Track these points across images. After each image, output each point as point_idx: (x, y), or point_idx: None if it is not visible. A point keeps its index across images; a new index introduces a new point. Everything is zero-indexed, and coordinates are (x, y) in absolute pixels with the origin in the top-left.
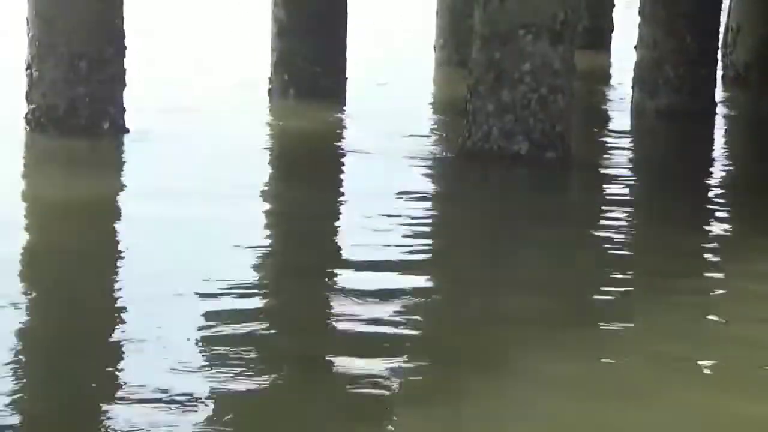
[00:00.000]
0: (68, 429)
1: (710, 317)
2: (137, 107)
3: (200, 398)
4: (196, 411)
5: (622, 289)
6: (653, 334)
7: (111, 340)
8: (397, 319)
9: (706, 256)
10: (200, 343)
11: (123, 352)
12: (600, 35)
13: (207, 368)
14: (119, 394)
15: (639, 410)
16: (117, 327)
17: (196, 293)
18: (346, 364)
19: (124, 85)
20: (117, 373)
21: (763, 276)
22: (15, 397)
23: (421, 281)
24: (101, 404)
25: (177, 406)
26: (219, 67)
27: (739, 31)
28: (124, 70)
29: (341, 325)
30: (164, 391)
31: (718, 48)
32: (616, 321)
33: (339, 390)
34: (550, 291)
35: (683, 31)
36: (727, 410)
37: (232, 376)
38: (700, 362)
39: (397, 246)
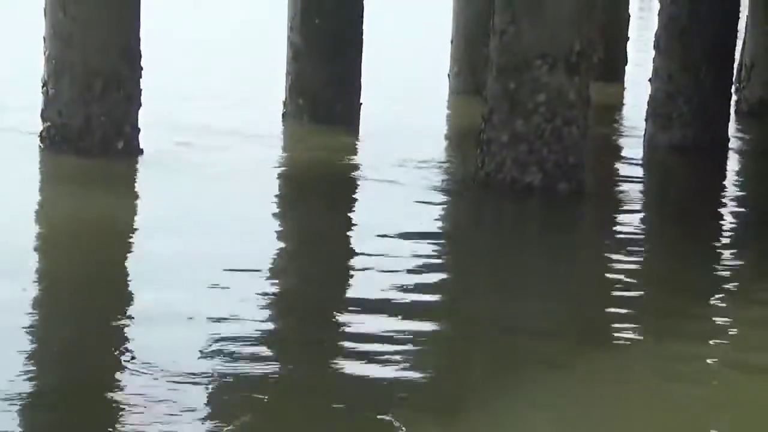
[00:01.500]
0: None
1: (712, 358)
2: (152, 128)
3: None
4: None
5: (631, 326)
6: (658, 375)
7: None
8: (400, 359)
9: (715, 295)
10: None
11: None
12: (614, 67)
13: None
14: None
15: None
16: (122, 347)
17: (206, 317)
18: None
19: (140, 105)
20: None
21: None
22: None
23: (427, 324)
24: None
25: None
26: (234, 90)
27: (753, 67)
28: (140, 90)
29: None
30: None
31: (732, 83)
32: (624, 359)
33: None
34: (558, 330)
35: (698, 65)
36: None
37: None
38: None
39: (405, 282)
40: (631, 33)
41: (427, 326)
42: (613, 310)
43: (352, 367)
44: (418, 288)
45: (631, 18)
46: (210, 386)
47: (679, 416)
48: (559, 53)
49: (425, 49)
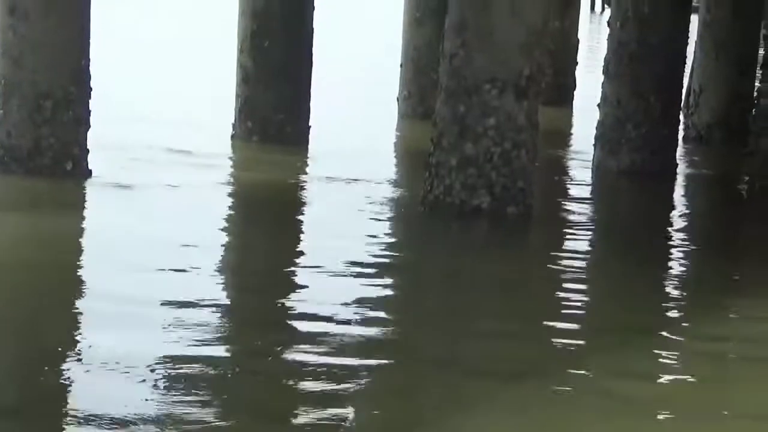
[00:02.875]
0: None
1: (660, 383)
2: (102, 149)
3: None
4: None
5: (574, 343)
6: (606, 397)
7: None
8: (339, 391)
9: (661, 326)
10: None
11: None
12: (563, 92)
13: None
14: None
15: None
16: (77, 358)
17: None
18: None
19: (89, 126)
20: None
21: (714, 337)
22: None
23: (370, 356)
24: None
25: None
26: (182, 112)
27: (701, 93)
28: (89, 112)
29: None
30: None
31: (680, 109)
32: (571, 384)
33: None
34: (503, 350)
35: (647, 90)
36: None
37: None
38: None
39: (355, 301)
40: (580, 58)
41: (369, 359)
42: (561, 336)
43: (289, 401)
44: (362, 317)
45: (580, 43)
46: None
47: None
48: (509, 78)
49: (375, 73)
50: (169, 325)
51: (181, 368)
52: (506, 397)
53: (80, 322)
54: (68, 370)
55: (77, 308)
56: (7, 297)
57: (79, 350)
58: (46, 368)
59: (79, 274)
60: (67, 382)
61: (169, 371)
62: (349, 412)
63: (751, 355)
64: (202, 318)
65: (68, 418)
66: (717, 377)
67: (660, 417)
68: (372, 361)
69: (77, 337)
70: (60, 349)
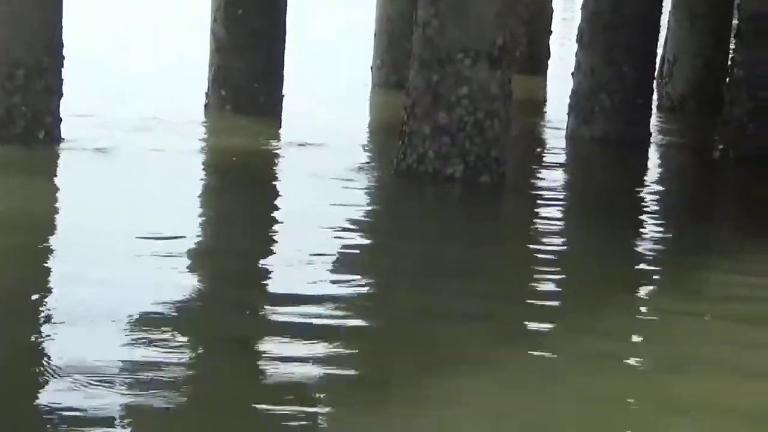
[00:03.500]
0: None
1: (635, 342)
2: (74, 117)
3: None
4: None
5: (551, 313)
6: (580, 358)
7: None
8: (322, 350)
9: (634, 286)
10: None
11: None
12: (536, 61)
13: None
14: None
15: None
16: (40, 332)
17: (127, 312)
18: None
19: (61, 95)
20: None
21: (689, 297)
22: None
23: (348, 311)
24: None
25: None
26: (156, 80)
27: (675, 63)
28: (61, 80)
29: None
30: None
31: (654, 78)
32: (545, 346)
33: None
34: (479, 319)
35: (620, 59)
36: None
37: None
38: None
39: (329, 269)
40: (554, 28)
41: (348, 315)
42: (535, 301)
43: (272, 359)
44: (339, 278)
45: (554, 12)
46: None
47: (598, 410)
48: (482, 47)
49: (349, 42)
50: (141, 287)
51: (148, 348)
52: (481, 359)
53: (52, 286)
54: (42, 326)
55: (51, 274)
56: None
57: (51, 309)
58: (21, 325)
59: (51, 240)
60: (42, 339)
61: (139, 335)
62: (321, 372)
63: (725, 315)
64: (176, 271)
65: (44, 374)
66: (688, 336)
67: (634, 374)
68: (345, 322)
69: (49, 299)
70: (34, 307)
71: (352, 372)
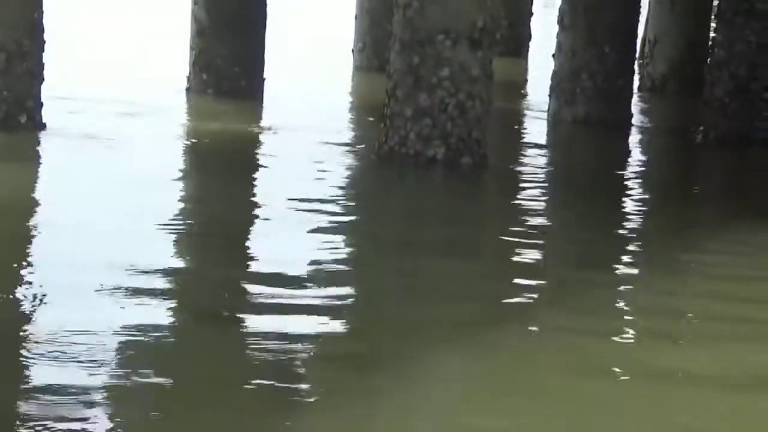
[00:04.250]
0: None
1: (616, 315)
2: (55, 102)
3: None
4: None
5: (534, 290)
6: (562, 331)
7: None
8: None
9: (615, 264)
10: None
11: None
12: (518, 43)
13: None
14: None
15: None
16: (29, 316)
17: (110, 287)
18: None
19: (42, 79)
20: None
21: (667, 274)
22: None
23: (332, 291)
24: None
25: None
26: (137, 64)
27: (656, 43)
28: (42, 65)
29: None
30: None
31: (635, 59)
32: (528, 321)
33: None
34: (462, 293)
35: (602, 41)
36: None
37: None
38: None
39: (312, 250)
40: (535, 9)
41: (331, 294)
42: (516, 279)
43: (256, 336)
44: (320, 258)
45: None
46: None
47: (586, 383)
48: (462, 29)
49: (330, 25)
50: (119, 272)
51: (133, 327)
52: (463, 336)
53: (36, 269)
54: (24, 303)
55: (34, 257)
56: None
57: (34, 290)
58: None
59: (33, 225)
60: (25, 315)
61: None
62: (306, 348)
63: (701, 289)
64: (158, 255)
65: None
66: (666, 311)
67: (616, 351)
68: (328, 301)
69: (32, 278)
70: (19, 286)
71: (336, 349)
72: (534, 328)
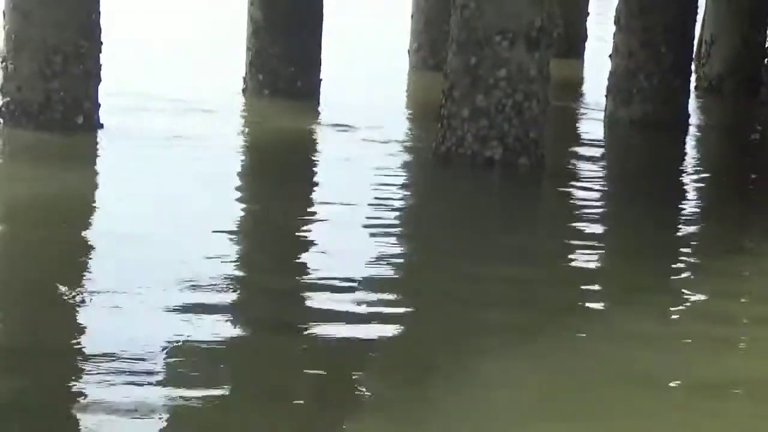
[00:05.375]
0: None
1: (675, 322)
2: (113, 102)
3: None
4: None
5: (592, 296)
6: (621, 339)
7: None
8: (365, 330)
9: (675, 268)
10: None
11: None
12: (574, 44)
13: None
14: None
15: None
16: (86, 324)
17: (168, 295)
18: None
19: (100, 80)
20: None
21: (726, 276)
22: None
23: (387, 297)
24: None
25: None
26: (195, 65)
27: (713, 43)
28: (100, 65)
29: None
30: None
31: (692, 59)
32: (586, 328)
33: None
34: (519, 300)
35: (658, 41)
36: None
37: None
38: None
39: (364, 258)
40: (591, 9)
41: (387, 300)
42: (574, 285)
43: (314, 334)
44: (377, 263)
45: None
46: (171, 357)
47: (641, 392)
48: (520, 29)
49: (386, 25)
50: (180, 281)
51: (189, 332)
52: (521, 344)
53: (90, 271)
54: (80, 313)
55: (86, 261)
56: (20, 252)
57: (89, 299)
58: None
59: (89, 228)
60: (82, 324)
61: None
62: (366, 358)
63: (761, 294)
64: (217, 273)
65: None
66: (726, 318)
67: (676, 355)
68: (384, 307)
69: (87, 286)
70: (71, 295)
71: (392, 357)
72: (591, 336)
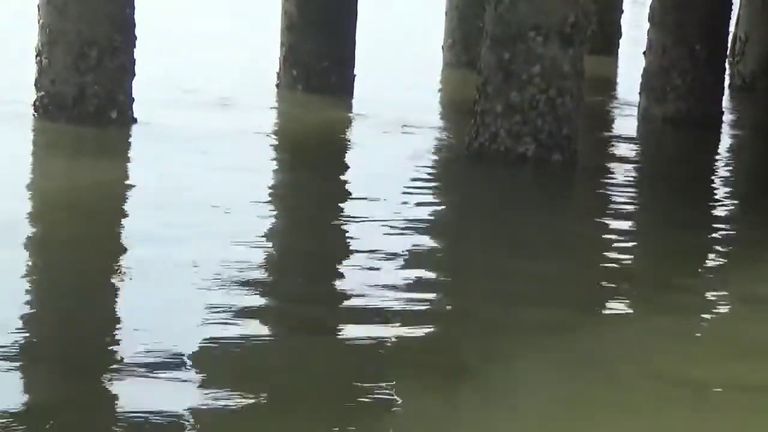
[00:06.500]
0: None
1: (707, 324)
2: (146, 97)
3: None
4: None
5: (622, 294)
6: (650, 340)
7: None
8: (397, 328)
9: (708, 268)
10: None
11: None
12: (608, 40)
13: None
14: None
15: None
16: (119, 314)
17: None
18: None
19: (134, 74)
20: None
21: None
22: None
23: (421, 295)
24: None
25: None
26: (228, 60)
27: (747, 41)
28: (134, 60)
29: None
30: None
31: (726, 56)
32: (617, 327)
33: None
34: (551, 298)
35: (692, 38)
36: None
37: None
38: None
39: (397, 253)
40: (625, 6)
41: (419, 298)
42: (608, 282)
43: (347, 335)
44: (410, 260)
45: None
46: (202, 352)
47: (671, 393)
48: (553, 25)
49: (420, 21)
50: (213, 278)
51: (224, 326)
52: (554, 343)
53: (123, 271)
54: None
55: (121, 257)
56: (56, 244)
57: (124, 295)
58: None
59: (123, 222)
60: (111, 327)
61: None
62: (397, 356)
63: None
64: (251, 250)
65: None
66: (758, 318)
67: (707, 357)
68: (417, 306)
69: (122, 284)
70: (107, 291)
71: (425, 355)
72: (626, 333)
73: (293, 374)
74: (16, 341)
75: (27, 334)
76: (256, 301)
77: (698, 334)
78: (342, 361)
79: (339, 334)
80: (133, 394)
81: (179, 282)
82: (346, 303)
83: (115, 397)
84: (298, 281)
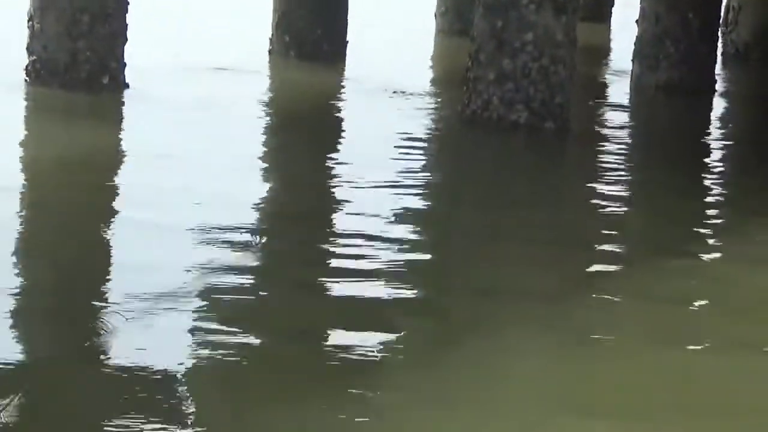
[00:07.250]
0: None
1: (702, 287)
2: (138, 63)
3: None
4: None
5: (615, 259)
6: (643, 303)
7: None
8: (390, 289)
9: (700, 232)
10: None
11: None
12: (600, 8)
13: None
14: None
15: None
16: (110, 287)
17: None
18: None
19: (126, 40)
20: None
21: (752, 243)
22: None
23: (413, 256)
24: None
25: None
26: (220, 26)
27: (740, 10)
28: (126, 26)
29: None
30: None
31: (719, 25)
32: (610, 292)
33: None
34: (540, 262)
35: (685, 7)
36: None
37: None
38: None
39: (389, 216)
40: None
41: (409, 259)
42: (600, 247)
43: (337, 293)
44: (400, 222)
45: None
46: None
47: (666, 361)
48: None
49: None
50: (204, 240)
51: (212, 287)
52: (545, 308)
53: (115, 232)
54: (108, 274)
55: (113, 220)
56: (48, 208)
57: (115, 259)
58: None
59: (115, 187)
60: (107, 286)
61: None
62: (383, 303)
63: None
64: (241, 213)
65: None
66: (749, 280)
67: (700, 321)
68: (407, 265)
69: (113, 246)
70: (97, 255)
71: (414, 319)
72: (617, 298)
73: (283, 322)
74: (10, 296)
75: (19, 291)
76: (249, 260)
77: (691, 297)
78: (331, 316)
79: (328, 293)
80: (127, 345)
81: (170, 243)
82: (336, 263)
83: (108, 348)
84: (289, 242)
